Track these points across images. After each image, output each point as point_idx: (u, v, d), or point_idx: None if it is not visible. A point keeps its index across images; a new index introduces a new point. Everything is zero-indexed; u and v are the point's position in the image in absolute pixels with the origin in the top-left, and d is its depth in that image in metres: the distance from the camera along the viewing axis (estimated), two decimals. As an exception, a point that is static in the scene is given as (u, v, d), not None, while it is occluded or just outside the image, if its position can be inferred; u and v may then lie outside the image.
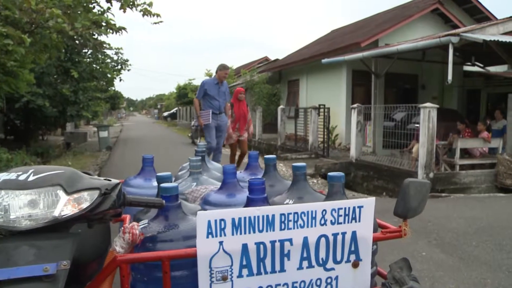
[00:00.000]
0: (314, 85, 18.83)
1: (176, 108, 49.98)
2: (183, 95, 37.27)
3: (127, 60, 18.96)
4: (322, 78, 17.92)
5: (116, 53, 18.31)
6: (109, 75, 17.36)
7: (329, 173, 1.76)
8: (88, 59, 14.95)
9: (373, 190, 11.17)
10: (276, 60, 27.62)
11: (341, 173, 1.75)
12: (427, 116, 9.28)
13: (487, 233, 5.32)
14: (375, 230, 1.67)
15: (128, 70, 19.04)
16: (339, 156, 13.86)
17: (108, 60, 17.97)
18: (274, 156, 2.36)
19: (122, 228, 1.46)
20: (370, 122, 14.37)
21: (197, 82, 37.98)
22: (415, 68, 16.36)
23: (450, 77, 9.40)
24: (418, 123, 12.76)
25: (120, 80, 19.82)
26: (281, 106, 17.63)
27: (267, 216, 1.41)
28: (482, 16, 17.63)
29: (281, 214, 1.42)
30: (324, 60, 15.04)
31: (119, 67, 18.73)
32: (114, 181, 1.40)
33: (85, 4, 6.45)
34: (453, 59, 15.81)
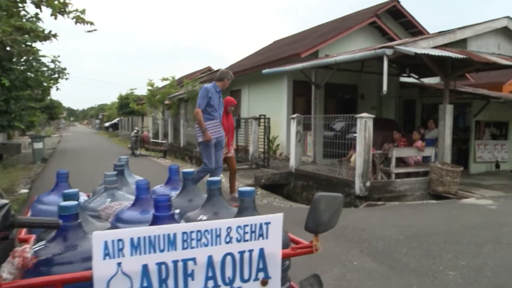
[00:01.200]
0: (255, 95, 18.92)
1: (118, 119, 49.01)
2: (125, 105, 36.58)
3: (64, 69, 18.40)
4: (264, 88, 18.04)
5: (53, 61, 17.74)
6: (45, 84, 16.76)
7: (240, 188, 1.71)
8: (21, 67, 14.39)
9: (311, 199, 11.26)
10: (219, 70, 27.56)
11: (251, 188, 1.70)
12: (364, 126, 9.47)
13: (417, 240, 5.45)
14: (286, 246, 1.64)
15: (66, 79, 18.50)
16: (280, 166, 13.93)
17: (44, 68, 17.37)
18: (192, 170, 2.31)
19: (12, 251, 1.36)
20: (311, 132, 14.59)
21: (139, 92, 37.41)
22: (355, 79, 16.72)
23: (385, 88, 9.63)
24: (356, 132, 13.09)
25: (57, 89, 19.21)
26: (223, 117, 17.56)
27: (168, 235, 1.35)
28: (415, 31, 18.30)
29: (183, 233, 1.36)
30: (265, 71, 15.14)
31: (56, 75, 18.16)
32: (1, 201, 1.30)
33: (6, 9, 6.16)
34: (390, 70, 16.39)
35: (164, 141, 21.59)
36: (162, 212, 1.56)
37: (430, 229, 6.07)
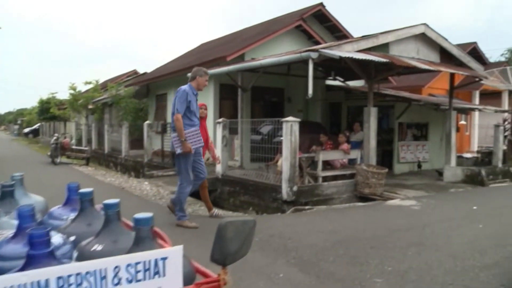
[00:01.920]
0: (182, 99, 18.51)
1: (38, 124, 46.80)
2: (46, 109, 34.92)
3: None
4: (191, 92, 17.68)
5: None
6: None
7: (135, 216, 1.44)
8: None
9: (239, 206, 11.11)
10: (145, 73, 26.95)
11: (148, 215, 1.44)
12: (289, 130, 9.40)
13: (344, 246, 5.38)
14: (190, 281, 1.40)
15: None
16: (208, 171, 13.63)
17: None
18: (90, 189, 2.00)
19: None
20: (238, 136, 14.43)
21: (61, 96, 35.90)
22: (282, 82, 16.74)
23: (310, 91, 9.63)
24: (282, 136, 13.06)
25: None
26: (147, 122, 17.12)
27: (39, 282, 1.08)
28: (340, 34, 18.59)
29: (58, 278, 1.10)
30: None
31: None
32: None
33: None
34: (316, 73, 16.53)
35: (86, 148, 20.69)
36: (38, 250, 1.28)
37: (357, 234, 6.04)
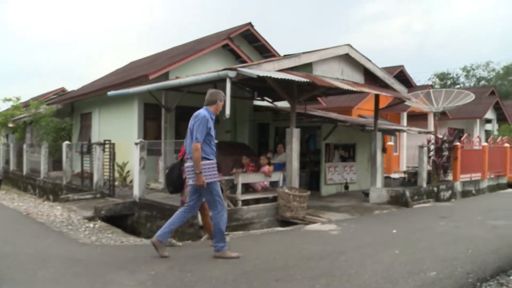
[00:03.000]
0: (107, 118, 17.77)
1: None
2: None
3: None
4: (115, 111, 16.99)
5: None
6: None
7: None
8: None
9: (156, 231, 10.44)
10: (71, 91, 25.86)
11: None
12: (207, 152, 8.92)
13: (248, 279, 4.94)
14: None
15: None
16: (128, 194, 12.94)
17: None
18: None
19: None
20: (162, 158, 13.88)
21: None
22: (209, 102, 16.29)
23: (227, 111, 9.20)
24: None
25: None
26: (67, 142, 16.20)
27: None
28: (269, 55, 18.46)
29: None
30: (110, 93, 14.18)
31: None
32: None
33: None
34: (244, 94, 16.32)
35: (-1, 169, 19.35)
36: None
37: (267, 264, 5.61)
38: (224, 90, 11.62)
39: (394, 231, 8.01)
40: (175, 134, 15.47)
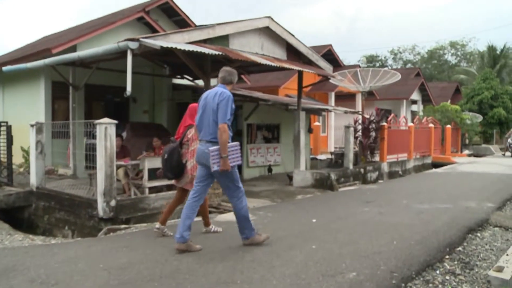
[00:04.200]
0: (11, 98, 16.01)
1: None
2: None
3: None
4: (21, 90, 15.29)
5: None
6: None
7: None
8: None
9: (55, 224, 9.29)
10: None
11: None
12: (104, 134, 7.80)
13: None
14: None
15: None
16: (21, 182, 11.54)
17: None
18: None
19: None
20: (70, 141, 12.55)
21: None
22: (126, 80, 15.04)
23: (129, 87, 8.17)
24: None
25: None
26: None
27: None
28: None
29: None
30: (5, 68, 12.57)
31: None
32: None
33: None
34: (162, 71, 15.14)
35: None
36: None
37: (154, 270, 4.63)
38: (150, 68, 10.51)
39: (314, 220, 7.23)
40: (84, 114, 14.07)
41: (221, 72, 5.54)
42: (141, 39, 7.97)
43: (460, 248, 6.03)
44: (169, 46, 8.02)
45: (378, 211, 8.07)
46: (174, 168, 5.90)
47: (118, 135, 11.46)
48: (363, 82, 17.49)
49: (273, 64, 10.20)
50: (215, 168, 5.10)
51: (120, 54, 9.05)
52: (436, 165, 20.26)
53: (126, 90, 8.10)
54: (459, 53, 67.78)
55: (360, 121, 15.99)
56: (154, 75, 15.07)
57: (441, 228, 6.81)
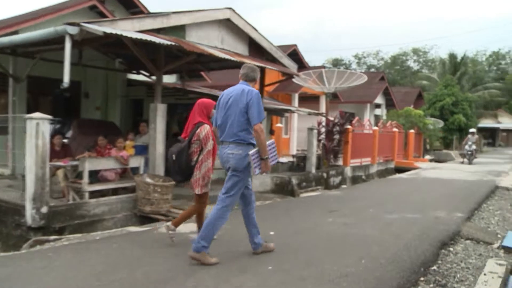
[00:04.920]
0: None
1: None
2: None
3: None
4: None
5: None
6: None
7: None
8: None
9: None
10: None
11: None
12: (35, 131, 6.79)
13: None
14: None
15: None
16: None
17: None
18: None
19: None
20: (9, 137, 11.47)
21: None
22: (78, 74, 13.92)
23: (65, 78, 7.15)
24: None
25: None
26: None
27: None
28: (148, 22, 16.28)
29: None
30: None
31: None
32: None
33: None
34: (117, 65, 14.12)
35: None
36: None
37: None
38: (103, 61, 9.54)
39: (272, 233, 6.42)
40: (28, 109, 12.89)
41: (243, 69, 5.16)
42: (82, 24, 7.00)
43: (435, 267, 5.38)
44: (114, 32, 7.08)
45: (343, 222, 7.34)
46: (184, 170, 5.40)
47: (59, 132, 10.47)
48: (328, 83, 16.87)
49: (233, 59, 9.37)
50: (257, 172, 4.84)
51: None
52: (399, 170, 19.85)
53: (64, 81, 7.08)
54: (421, 59, 68.72)
55: (324, 124, 15.35)
56: (107, 69, 14.00)
57: (412, 242, 6.15)
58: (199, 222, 5.75)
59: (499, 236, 7.61)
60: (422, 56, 68.23)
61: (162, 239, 5.91)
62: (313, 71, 18.13)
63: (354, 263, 5.02)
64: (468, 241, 6.92)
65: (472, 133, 22.76)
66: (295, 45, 25.23)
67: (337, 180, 14.74)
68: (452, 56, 42.51)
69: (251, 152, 4.78)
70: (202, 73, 17.01)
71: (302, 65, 25.01)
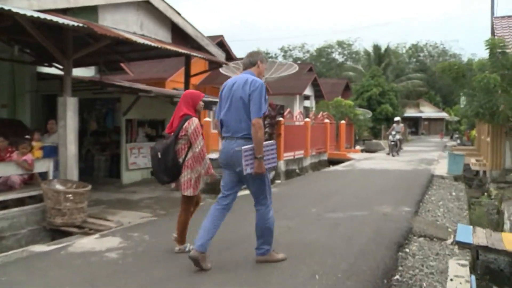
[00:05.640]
0: None
1: None
2: None
3: None
4: None
5: None
6: None
7: None
8: None
9: None
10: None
11: None
12: None
13: None
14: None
15: None
16: None
17: None
18: None
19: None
20: None
21: None
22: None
23: None
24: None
25: None
26: None
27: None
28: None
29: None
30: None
31: None
32: None
33: None
34: (24, 57, 12.61)
35: None
36: None
37: None
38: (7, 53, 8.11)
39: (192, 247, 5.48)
40: None
41: (245, 58, 4.79)
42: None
43: (397, 276, 4.70)
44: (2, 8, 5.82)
45: (286, 226, 6.49)
46: (171, 169, 4.91)
47: None
48: (258, 74, 16.04)
49: (153, 44, 8.32)
50: (248, 170, 4.32)
51: None
52: (332, 162, 19.47)
53: None
54: (345, 51, 69.89)
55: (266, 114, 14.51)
56: (12, 60, 12.45)
57: (367, 247, 5.44)
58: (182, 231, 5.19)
59: (449, 230, 7.15)
60: (347, 49, 69.45)
61: (68, 262, 4.81)
62: (242, 62, 17.30)
63: (307, 280, 4.20)
64: (421, 239, 6.41)
65: (397, 122, 21.57)
66: (222, 36, 24.29)
67: (270, 175, 13.97)
68: (376, 48, 43.25)
69: (244, 148, 4.32)
70: (123, 65, 15.69)
71: (229, 56, 24.10)
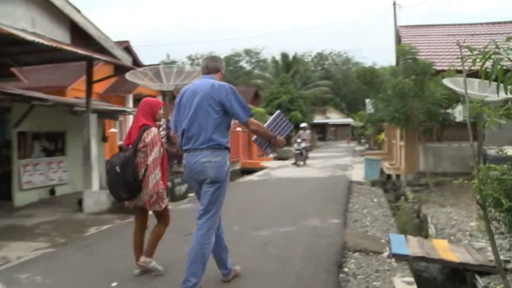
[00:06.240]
0: None
1: None
2: None
3: None
4: None
5: None
6: None
7: None
8: None
9: None
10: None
11: None
12: None
13: None
14: None
15: None
16: None
17: None
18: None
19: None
20: None
21: None
22: None
23: None
24: None
25: None
26: None
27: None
28: None
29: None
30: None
31: None
32: None
33: None
34: None
35: None
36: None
37: None
38: None
39: (114, 284, 4.50)
40: None
41: (202, 62, 4.51)
42: None
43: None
44: None
45: (207, 250, 5.65)
46: (130, 184, 4.47)
47: None
48: (167, 80, 15.08)
49: (46, 43, 7.15)
50: (269, 151, 4.50)
51: None
52: (246, 171, 18.91)
53: None
54: (253, 60, 70.32)
55: (164, 126, 13.53)
56: None
57: (304, 270, 4.84)
58: (139, 242, 4.82)
59: (382, 241, 6.68)
60: (254, 57, 69.89)
61: None
62: (150, 68, 16.21)
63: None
64: (356, 254, 5.94)
65: (304, 128, 20.55)
66: (128, 42, 22.91)
67: (183, 188, 13.05)
68: (285, 56, 43.71)
69: (254, 138, 4.40)
70: (15, 70, 14.03)
71: (136, 63, 22.79)
